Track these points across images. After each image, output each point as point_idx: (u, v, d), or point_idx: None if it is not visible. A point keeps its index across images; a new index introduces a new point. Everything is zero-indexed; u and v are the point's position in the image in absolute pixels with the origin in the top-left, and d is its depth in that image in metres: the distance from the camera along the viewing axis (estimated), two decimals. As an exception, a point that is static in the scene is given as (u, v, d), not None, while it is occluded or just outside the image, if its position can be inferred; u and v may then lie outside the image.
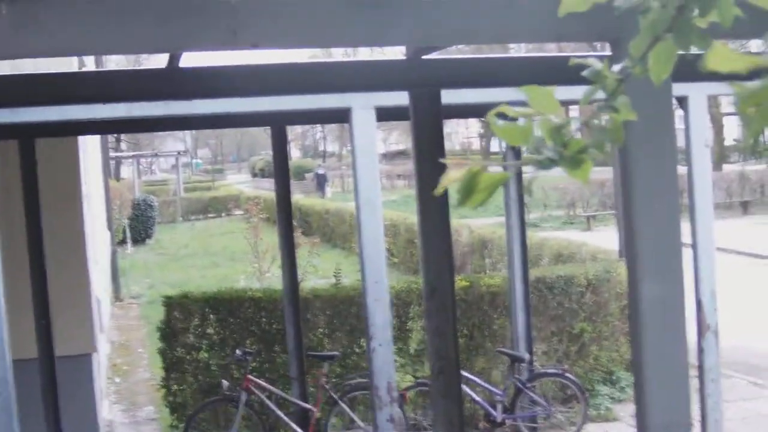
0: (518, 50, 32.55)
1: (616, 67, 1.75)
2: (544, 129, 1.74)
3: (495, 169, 1.80)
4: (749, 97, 1.44)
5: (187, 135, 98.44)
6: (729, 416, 10.36)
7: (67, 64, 11.00)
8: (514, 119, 1.86)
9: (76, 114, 6.73)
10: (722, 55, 1.51)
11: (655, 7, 1.65)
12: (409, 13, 3.90)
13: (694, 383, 8.37)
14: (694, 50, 1.68)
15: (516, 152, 11.32)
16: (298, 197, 41.02)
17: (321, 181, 60.49)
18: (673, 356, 3.93)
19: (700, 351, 8.16)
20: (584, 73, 1.77)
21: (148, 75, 6.61)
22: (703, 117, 7.96)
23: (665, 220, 3.86)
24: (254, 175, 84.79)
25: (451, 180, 1.73)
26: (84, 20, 3.67)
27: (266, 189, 54.52)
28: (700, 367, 8.24)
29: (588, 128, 1.74)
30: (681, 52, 1.67)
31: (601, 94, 1.80)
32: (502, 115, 1.83)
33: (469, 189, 1.73)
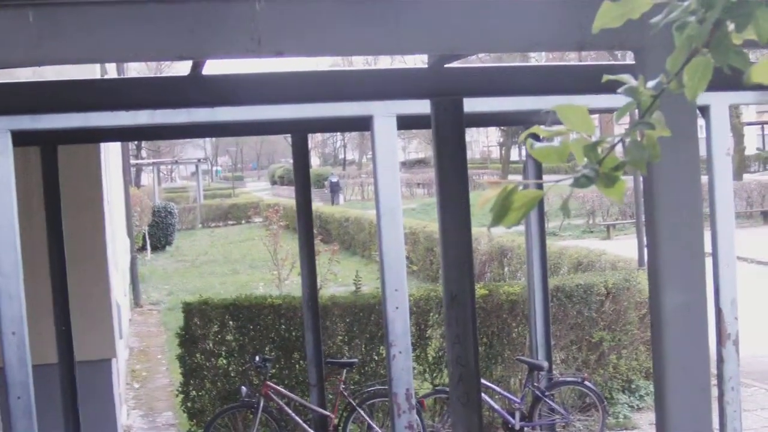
0: (539, 59, 32.52)
1: (651, 83, 1.75)
2: (578, 147, 1.73)
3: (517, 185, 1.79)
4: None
5: (208, 143, 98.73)
6: (748, 425, 10.34)
7: (90, 72, 11.04)
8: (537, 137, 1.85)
9: (98, 121, 6.74)
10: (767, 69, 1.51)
11: (691, 23, 1.64)
12: (432, 22, 3.92)
13: (713, 392, 8.37)
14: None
15: (537, 164, 11.32)
16: (317, 205, 41.10)
17: (334, 189, 61.36)
18: (694, 364, 3.93)
19: (720, 360, 8.14)
20: (620, 90, 1.77)
21: (171, 82, 6.65)
22: (725, 126, 7.95)
23: (688, 229, 3.87)
24: (273, 182, 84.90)
25: (488, 199, 1.73)
26: (107, 27, 3.70)
27: (286, 196, 54.67)
28: (720, 376, 8.21)
29: (624, 145, 1.74)
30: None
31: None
32: (535, 135, 1.83)
33: (504, 208, 1.72)
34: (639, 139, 1.73)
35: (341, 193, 62.88)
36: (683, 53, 1.67)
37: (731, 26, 1.61)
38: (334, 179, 63.67)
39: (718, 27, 1.61)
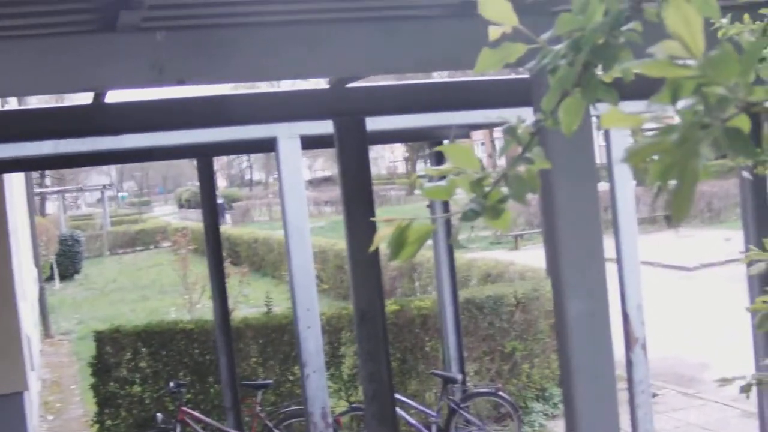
0: (442, 74, 32.64)
1: (529, 121, 1.85)
2: (465, 184, 1.82)
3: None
4: (637, 154, 1.55)
5: (112, 168, 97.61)
6: (660, 427, 10.51)
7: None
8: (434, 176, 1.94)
9: (1, 153, 6.71)
10: (615, 117, 1.62)
11: (562, 66, 1.75)
12: (332, 46, 3.97)
13: (624, 396, 8.52)
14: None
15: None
16: (225, 227, 40.87)
17: (221, 210, 62.51)
18: (600, 369, 4.02)
19: (629, 363, 8.29)
20: (501, 129, 1.86)
21: (74, 111, 6.63)
22: (625, 133, 8.11)
23: (587, 238, 3.96)
24: (181, 206, 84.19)
25: (382, 237, 1.82)
26: (5, 61, 3.69)
27: (193, 220, 54.28)
28: (630, 380, 8.36)
29: (506, 179, 1.83)
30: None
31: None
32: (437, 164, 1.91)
33: (399, 244, 1.81)
34: (520, 173, 1.83)
35: (226, 213, 64.55)
36: (556, 94, 1.77)
37: (599, 68, 1.72)
38: (220, 201, 64.90)
39: (587, 69, 1.71)
